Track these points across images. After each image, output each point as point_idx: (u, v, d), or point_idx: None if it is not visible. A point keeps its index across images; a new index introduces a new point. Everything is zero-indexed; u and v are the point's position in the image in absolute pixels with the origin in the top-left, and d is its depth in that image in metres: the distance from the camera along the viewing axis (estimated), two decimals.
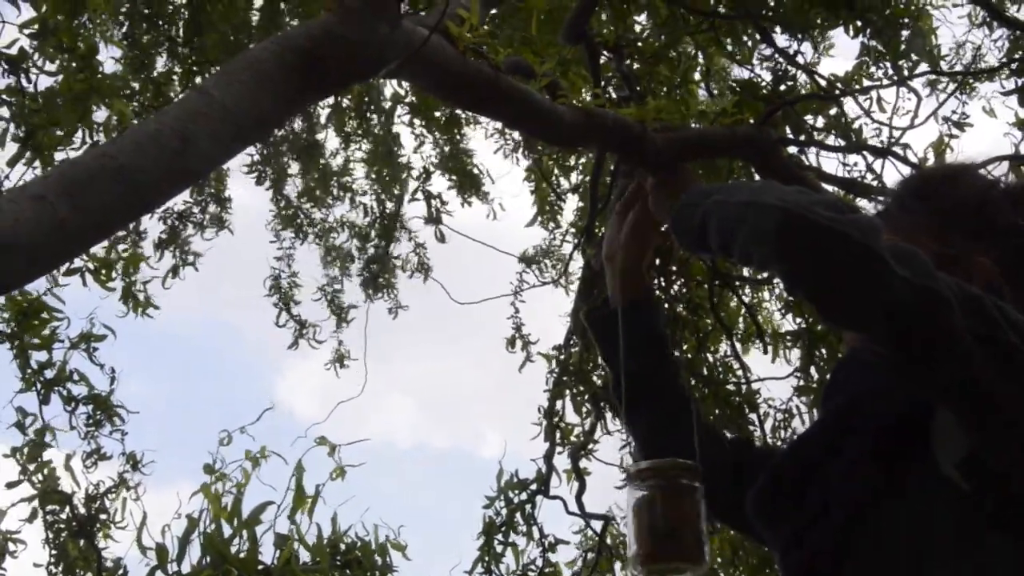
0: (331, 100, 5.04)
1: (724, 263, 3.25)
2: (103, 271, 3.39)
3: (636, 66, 3.24)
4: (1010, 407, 1.02)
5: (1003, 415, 1.03)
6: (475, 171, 5.36)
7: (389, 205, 5.49)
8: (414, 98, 4.95)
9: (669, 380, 1.54)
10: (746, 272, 3.56)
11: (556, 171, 4.90)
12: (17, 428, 3.80)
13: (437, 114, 5.07)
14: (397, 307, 5.50)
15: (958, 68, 3.85)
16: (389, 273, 5.46)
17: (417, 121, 5.07)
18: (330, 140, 5.51)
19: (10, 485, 3.86)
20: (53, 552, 4.08)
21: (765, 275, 3.34)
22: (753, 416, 3.77)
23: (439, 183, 5.41)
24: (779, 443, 3.83)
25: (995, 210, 1.28)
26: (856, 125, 2.57)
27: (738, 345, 3.94)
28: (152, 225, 4.87)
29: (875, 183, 2.67)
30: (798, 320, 3.70)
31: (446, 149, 5.28)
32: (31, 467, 3.87)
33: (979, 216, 1.27)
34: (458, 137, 5.27)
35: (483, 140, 5.42)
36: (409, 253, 5.48)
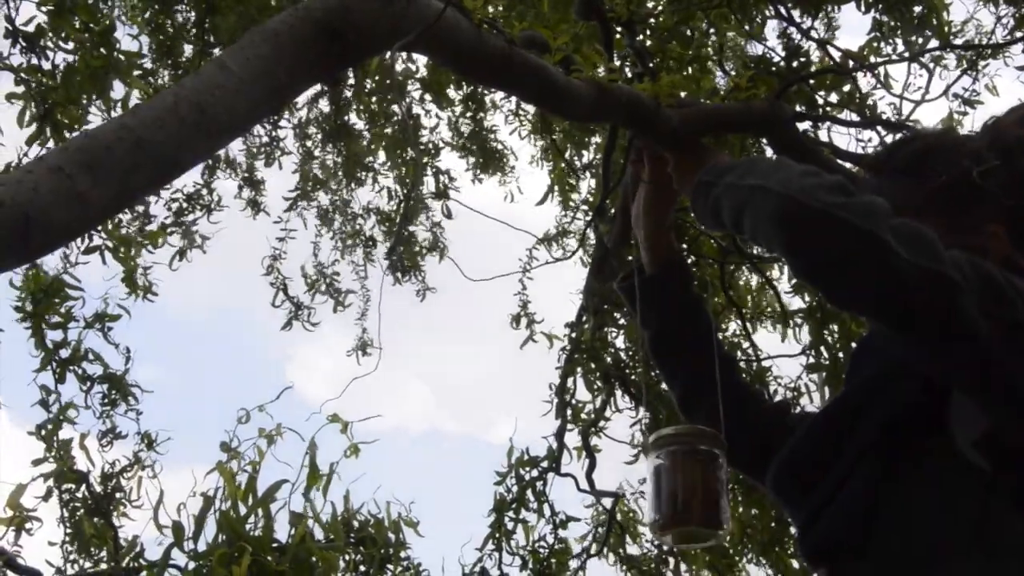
0: (353, 82, 5.04)
1: (741, 240, 3.25)
2: (122, 248, 3.40)
3: (648, 43, 3.23)
4: None
5: (1018, 396, 1.01)
6: (499, 148, 5.34)
7: (408, 185, 5.47)
8: (426, 73, 4.94)
9: (701, 340, 1.55)
10: (758, 250, 3.55)
11: (571, 148, 4.89)
12: (41, 406, 3.84)
13: (452, 92, 5.06)
14: (425, 289, 5.48)
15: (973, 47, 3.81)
16: (415, 255, 5.45)
17: (428, 97, 5.06)
18: (356, 123, 5.50)
19: (36, 462, 3.89)
20: (68, 531, 4.12)
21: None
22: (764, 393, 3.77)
23: (450, 160, 5.41)
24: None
25: (993, 169, 1.24)
26: (870, 101, 2.56)
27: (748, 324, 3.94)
28: (159, 210, 4.89)
29: None
30: (808, 299, 3.69)
31: (462, 128, 5.27)
32: (53, 444, 3.90)
33: (978, 182, 1.23)
34: (481, 115, 5.25)
35: (501, 123, 5.39)
36: (425, 232, 5.48)
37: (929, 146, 1.36)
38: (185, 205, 4.97)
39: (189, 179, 5.09)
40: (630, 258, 1.69)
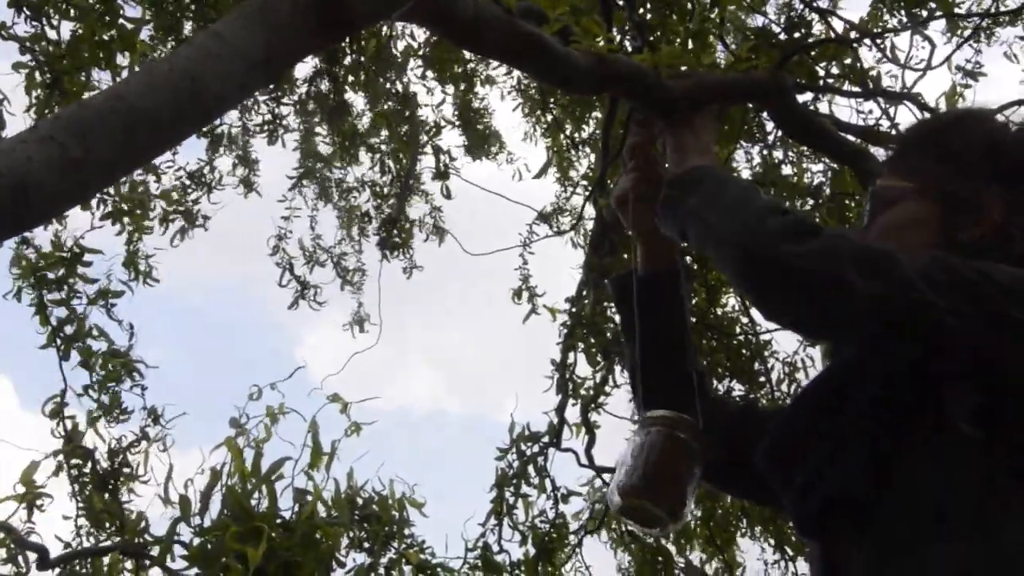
0: (350, 60, 5.01)
1: None
2: (138, 210, 3.37)
3: (648, 16, 3.21)
4: (1019, 379, 1.03)
5: (1013, 387, 1.03)
6: (488, 131, 5.32)
7: (405, 163, 5.45)
8: (427, 51, 4.91)
9: (684, 355, 1.49)
10: None
11: (570, 124, 4.87)
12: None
13: (453, 69, 5.03)
14: (412, 267, 5.45)
15: (977, 14, 3.76)
16: (406, 233, 5.42)
17: (430, 74, 5.03)
18: (354, 101, 5.47)
19: (56, 435, 3.91)
20: (80, 506, 4.13)
21: None
22: (761, 368, 3.78)
23: (451, 138, 5.39)
24: (786, 397, 3.85)
25: (1005, 151, 1.25)
26: (872, 72, 2.53)
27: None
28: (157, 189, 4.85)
29: (891, 130, 2.66)
30: None
31: (456, 108, 5.25)
32: (62, 422, 3.91)
33: (988, 157, 1.25)
34: (471, 96, 5.23)
35: (500, 99, 5.38)
36: (425, 216, 5.46)
37: (932, 124, 1.38)
38: (188, 183, 4.95)
39: (192, 155, 5.06)
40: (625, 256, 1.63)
